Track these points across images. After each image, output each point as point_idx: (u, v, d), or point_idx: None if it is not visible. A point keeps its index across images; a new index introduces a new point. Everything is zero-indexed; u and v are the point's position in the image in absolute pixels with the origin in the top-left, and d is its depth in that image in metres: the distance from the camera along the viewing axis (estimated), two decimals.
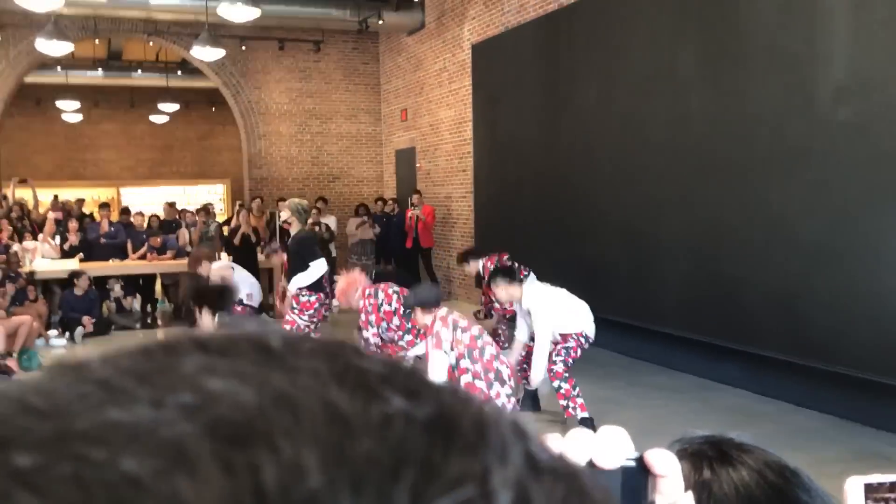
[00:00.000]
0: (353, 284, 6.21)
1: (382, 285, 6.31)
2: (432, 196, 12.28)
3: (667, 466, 0.41)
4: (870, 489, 0.91)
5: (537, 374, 5.39)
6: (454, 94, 11.62)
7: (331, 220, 12.16)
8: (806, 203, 5.44)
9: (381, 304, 6.08)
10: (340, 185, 14.34)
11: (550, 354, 5.39)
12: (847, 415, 5.45)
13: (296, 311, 6.53)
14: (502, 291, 5.59)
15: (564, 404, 5.37)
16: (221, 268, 8.36)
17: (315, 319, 6.65)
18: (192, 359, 0.22)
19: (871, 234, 5.01)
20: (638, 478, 0.41)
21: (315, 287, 6.56)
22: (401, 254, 11.82)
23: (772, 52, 5.73)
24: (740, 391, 6.27)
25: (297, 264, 6.48)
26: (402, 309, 5.94)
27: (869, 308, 5.02)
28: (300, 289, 6.47)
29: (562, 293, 5.58)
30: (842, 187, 5.19)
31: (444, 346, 4.25)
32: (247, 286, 8.32)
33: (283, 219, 6.74)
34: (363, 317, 6.12)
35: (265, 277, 10.37)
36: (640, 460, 0.41)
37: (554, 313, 5.39)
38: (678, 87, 6.62)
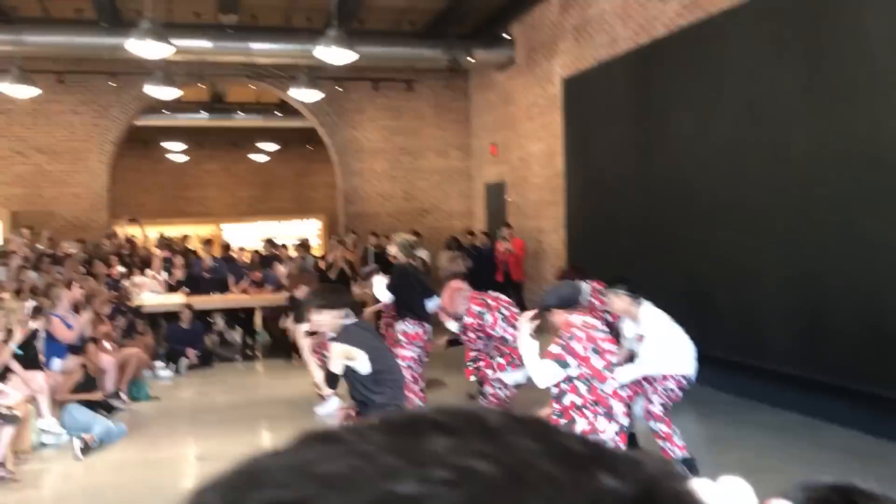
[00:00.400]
0: (457, 290, 6.22)
1: (490, 297, 6.28)
2: (522, 229, 12.28)
3: None
4: None
5: (624, 378, 5.15)
6: (545, 129, 11.65)
7: (424, 254, 12.30)
8: None
9: (485, 317, 6.07)
10: (432, 220, 14.52)
11: (647, 393, 5.26)
12: None
13: (405, 345, 6.66)
14: (620, 302, 5.32)
15: (662, 445, 5.23)
16: None
17: (422, 350, 6.77)
18: (436, 440, 0.27)
19: None
20: None
21: (420, 317, 6.68)
22: (491, 287, 11.80)
23: (880, 76, 5.54)
24: (850, 431, 5.98)
25: (402, 296, 6.61)
26: (497, 330, 5.95)
27: None
28: (406, 321, 6.63)
29: (677, 329, 5.42)
30: None
31: (569, 360, 3.86)
32: None
33: (391, 254, 6.94)
34: (468, 321, 6.10)
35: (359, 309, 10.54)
36: None
37: (666, 346, 5.24)
38: (778, 117, 6.46)
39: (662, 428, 5.16)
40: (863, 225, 5.65)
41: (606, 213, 9.29)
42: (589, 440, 0.29)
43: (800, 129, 6.24)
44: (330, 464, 0.26)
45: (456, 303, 6.14)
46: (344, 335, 4.30)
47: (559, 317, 4.08)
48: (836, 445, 5.74)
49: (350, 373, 4.22)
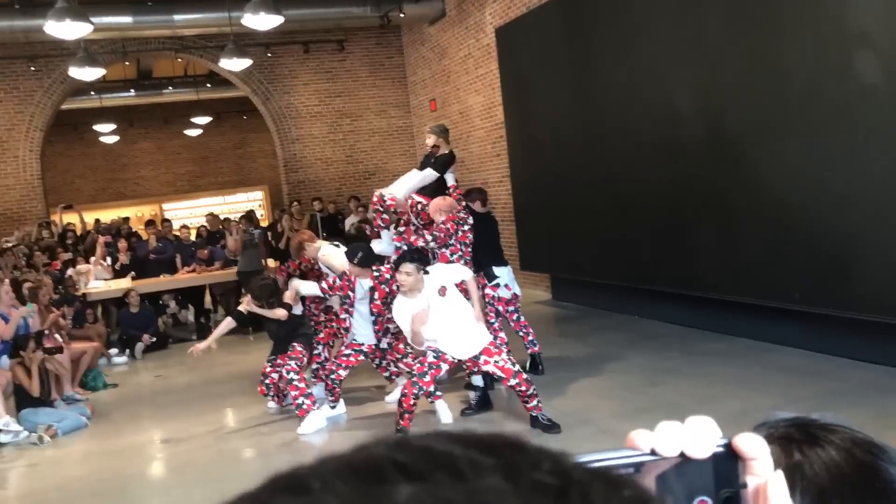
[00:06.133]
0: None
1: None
2: (469, 183, 12.25)
3: (756, 449, 0.43)
4: None
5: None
6: (481, 80, 11.61)
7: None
8: (849, 159, 5.36)
9: None
10: (377, 181, 14.39)
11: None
12: None
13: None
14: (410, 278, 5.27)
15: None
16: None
17: None
18: (401, 489, 0.28)
19: None
20: (728, 463, 0.43)
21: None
22: None
23: (802, 4, 5.63)
24: (799, 351, 6.21)
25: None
26: None
27: None
28: None
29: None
30: (882, 141, 5.10)
31: None
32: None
33: (430, 144, 6.66)
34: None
35: None
36: (728, 445, 0.43)
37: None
38: (708, 53, 6.54)
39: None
40: (795, 154, 5.78)
41: (548, 159, 9.35)
42: (560, 468, 0.31)
43: (728, 63, 6.32)
44: None
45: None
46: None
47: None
48: (786, 366, 5.96)
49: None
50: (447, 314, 5.22)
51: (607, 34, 7.92)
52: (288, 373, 6.01)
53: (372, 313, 5.97)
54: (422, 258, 5.43)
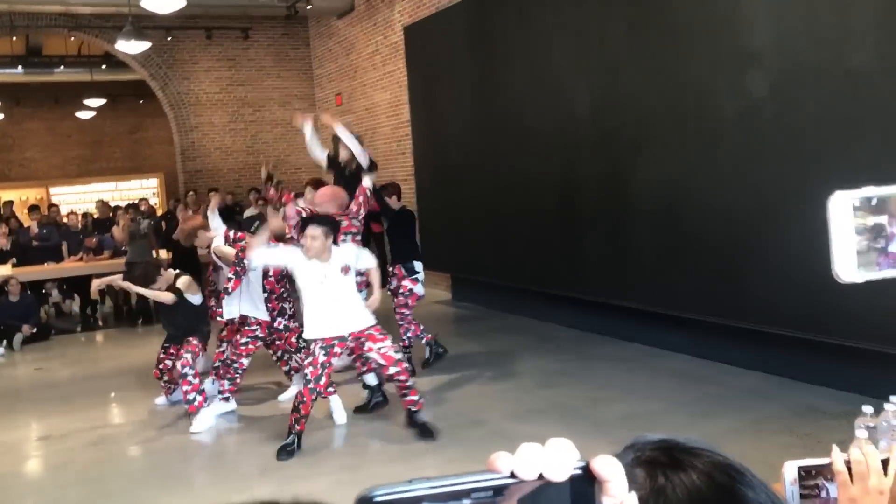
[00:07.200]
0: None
1: None
2: (375, 181, 12.20)
3: (611, 471, 0.44)
4: (802, 475, 1.01)
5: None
6: (389, 77, 11.56)
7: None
8: (737, 172, 5.58)
9: None
10: (278, 174, 14.06)
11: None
12: (786, 373, 5.65)
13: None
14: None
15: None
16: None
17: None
18: None
19: (798, 199, 5.17)
20: (585, 485, 0.44)
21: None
22: None
23: (699, 19, 5.83)
24: (685, 357, 6.44)
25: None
26: None
27: (800, 270, 5.19)
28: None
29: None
30: (769, 155, 5.35)
31: None
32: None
33: (344, 157, 6.90)
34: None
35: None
36: (585, 467, 0.44)
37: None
38: (607, 63, 6.70)
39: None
40: (687, 164, 5.99)
41: (451, 160, 9.39)
42: None
43: (628, 74, 6.50)
44: None
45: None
46: None
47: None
48: (673, 371, 6.17)
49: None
50: (336, 292, 5.04)
51: (511, 39, 8.01)
52: (182, 367, 5.82)
53: (265, 290, 5.87)
54: (333, 224, 5.18)
